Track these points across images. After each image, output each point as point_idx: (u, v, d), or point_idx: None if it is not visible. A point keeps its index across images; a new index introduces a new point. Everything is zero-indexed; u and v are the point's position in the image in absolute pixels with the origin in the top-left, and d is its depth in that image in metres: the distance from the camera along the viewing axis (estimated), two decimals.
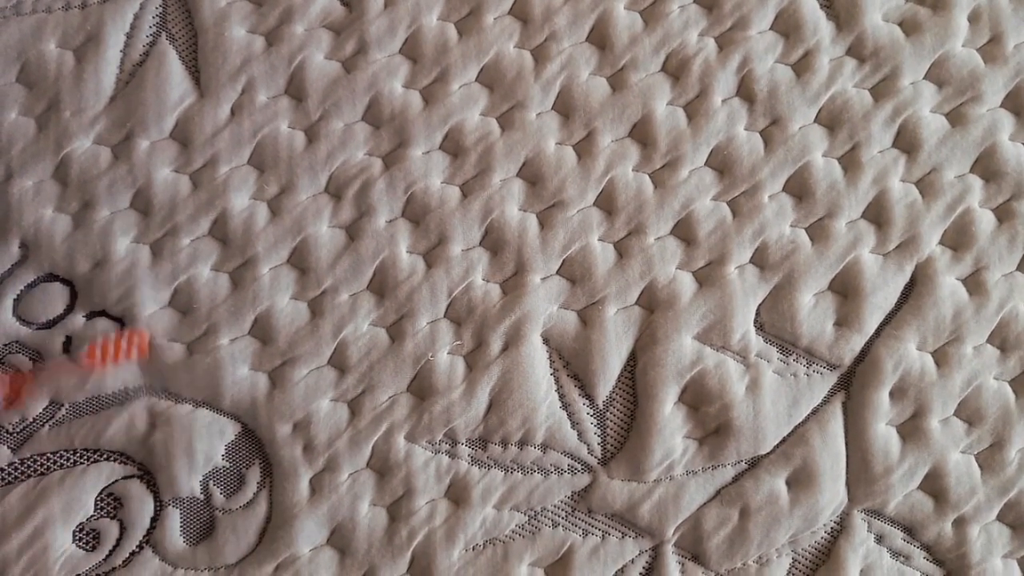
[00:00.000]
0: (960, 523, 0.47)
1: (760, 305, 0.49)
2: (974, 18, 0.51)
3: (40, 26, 0.50)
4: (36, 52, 0.49)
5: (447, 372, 0.48)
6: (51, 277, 0.48)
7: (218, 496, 0.47)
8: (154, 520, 0.47)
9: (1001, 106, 0.50)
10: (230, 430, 0.47)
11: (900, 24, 0.51)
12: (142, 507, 0.47)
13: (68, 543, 0.46)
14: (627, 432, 0.48)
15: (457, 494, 0.47)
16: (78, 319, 0.48)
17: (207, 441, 0.47)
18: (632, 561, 0.47)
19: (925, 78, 0.50)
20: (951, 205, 0.49)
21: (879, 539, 0.47)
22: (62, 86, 0.49)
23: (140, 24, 0.50)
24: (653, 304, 0.48)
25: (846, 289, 0.49)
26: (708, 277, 0.49)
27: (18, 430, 0.47)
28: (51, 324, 0.48)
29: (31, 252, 0.48)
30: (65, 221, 0.48)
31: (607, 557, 0.47)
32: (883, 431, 0.48)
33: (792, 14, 0.50)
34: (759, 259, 0.49)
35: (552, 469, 0.47)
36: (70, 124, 0.49)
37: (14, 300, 0.48)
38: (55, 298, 0.48)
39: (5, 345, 0.48)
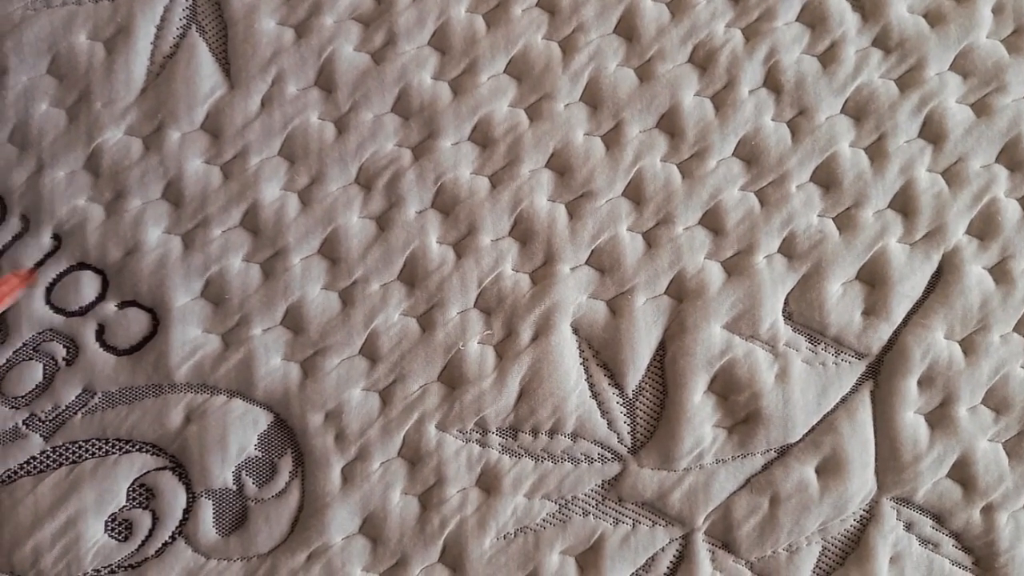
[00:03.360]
0: (988, 511, 0.48)
1: (788, 294, 0.49)
2: (998, 9, 0.51)
3: (71, 18, 0.50)
4: (67, 44, 0.50)
5: (477, 361, 0.48)
6: (83, 266, 0.48)
7: (251, 486, 0.47)
8: (186, 511, 0.47)
9: None
10: (263, 420, 0.48)
11: (925, 15, 0.51)
12: (174, 498, 0.47)
13: (100, 533, 0.47)
14: (656, 421, 0.48)
15: (488, 483, 0.47)
16: (110, 307, 0.48)
17: (241, 432, 0.47)
18: (663, 549, 0.47)
19: (950, 69, 0.51)
20: (977, 195, 0.50)
21: (908, 527, 0.48)
22: (93, 78, 0.49)
23: (170, 16, 0.50)
24: (682, 294, 0.49)
25: (874, 278, 0.49)
26: (736, 266, 0.49)
27: (50, 418, 0.47)
28: (83, 311, 0.48)
29: (63, 241, 0.48)
30: (97, 211, 0.49)
31: (638, 545, 0.47)
32: (911, 419, 0.48)
33: (818, 5, 0.51)
34: (787, 249, 0.49)
35: (582, 458, 0.48)
36: (101, 115, 0.49)
37: (47, 289, 0.48)
38: (86, 286, 0.48)
39: (39, 333, 0.48)
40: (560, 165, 0.50)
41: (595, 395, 0.48)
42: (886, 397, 0.48)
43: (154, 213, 0.49)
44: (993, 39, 0.51)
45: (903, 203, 0.49)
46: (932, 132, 0.50)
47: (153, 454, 0.47)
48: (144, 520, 0.47)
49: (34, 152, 0.49)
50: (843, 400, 0.48)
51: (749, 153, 0.50)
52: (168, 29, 0.50)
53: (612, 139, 0.50)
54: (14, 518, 0.46)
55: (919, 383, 0.48)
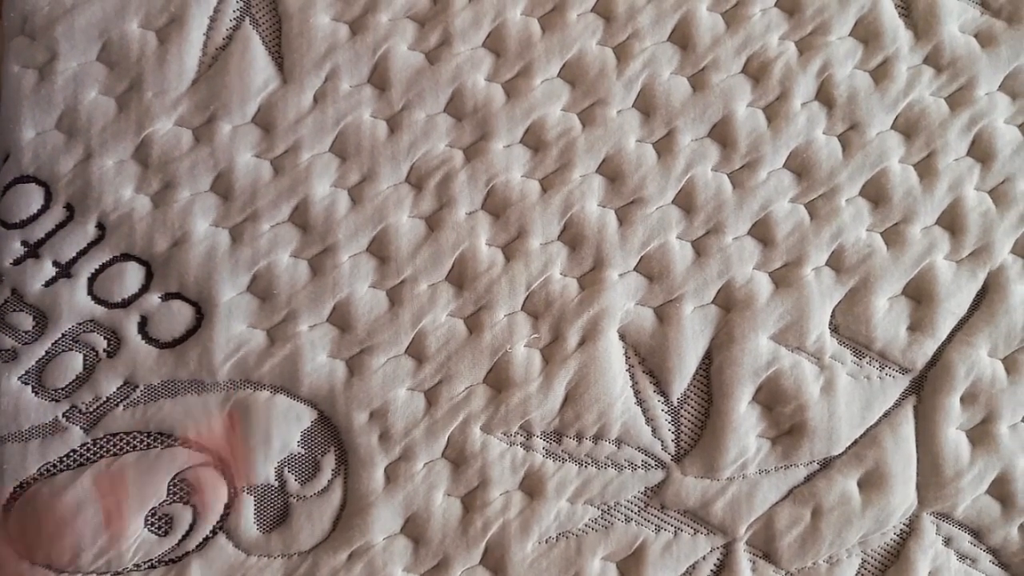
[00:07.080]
0: None
1: (835, 307, 0.49)
2: None
3: (123, 5, 0.49)
4: (118, 31, 0.49)
5: (524, 365, 0.48)
6: (127, 257, 0.48)
7: (293, 483, 0.47)
8: (227, 507, 0.47)
9: None
10: (306, 417, 0.47)
11: (976, 36, 0.51)
12: (215, 493, 0.47)
13: (141, 528, 0.46)
14: (701, 430, 0.48)
15: (532, 486, 0.47)
16: (153, 299, 0.48)
17: (284, 428, 0.47)
18: (704, 558, 0.47)
19: (999, 89, 0.51)
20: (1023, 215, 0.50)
21: (947, 542, 0.48)
22: (144, 67, 0.49)
23: (224, 8, 0.50)
24: (730, 303, 0.49)
25: (920, 294, 0.49)
26: (785, 278, 0.49)
27: (91, 410, 0.47)
28: (126, 303, 0.48)
29: (108, 232, 0.48)
30: (144, 201, 0.48)
31: (679, 553, 0.47)
32: (953, 435, 0.48)
33: (872, 21, 0.51)
34: (835, 262, 0.49)
35: (626, 464, 0.48)
36: (152, 105, 0.49)
37: (89, 279, 0.48)
38: (130, 277, 0.48)
39: (79, 324, 0.47)
40: (611, 171, 0.50)
41: (640, 402, 0.48)
42: (929, 412, 0.48)
43: (202, 205, 0.48)
44: None
45: (951, 220, 0.50)
46: (981, 151, 0.50)
47: (195, 449, 0.47)
48: (185, 515, 0.46)
49: (82, 140, 0.48)
50: (887, 414, 0.49)
51: (800, 165, 0.50)
52: (221, 20, 0.50)
53: (664, 147, 0.50)
54: (54, 512, 0.45)
55: (962, 400, 0.48)
